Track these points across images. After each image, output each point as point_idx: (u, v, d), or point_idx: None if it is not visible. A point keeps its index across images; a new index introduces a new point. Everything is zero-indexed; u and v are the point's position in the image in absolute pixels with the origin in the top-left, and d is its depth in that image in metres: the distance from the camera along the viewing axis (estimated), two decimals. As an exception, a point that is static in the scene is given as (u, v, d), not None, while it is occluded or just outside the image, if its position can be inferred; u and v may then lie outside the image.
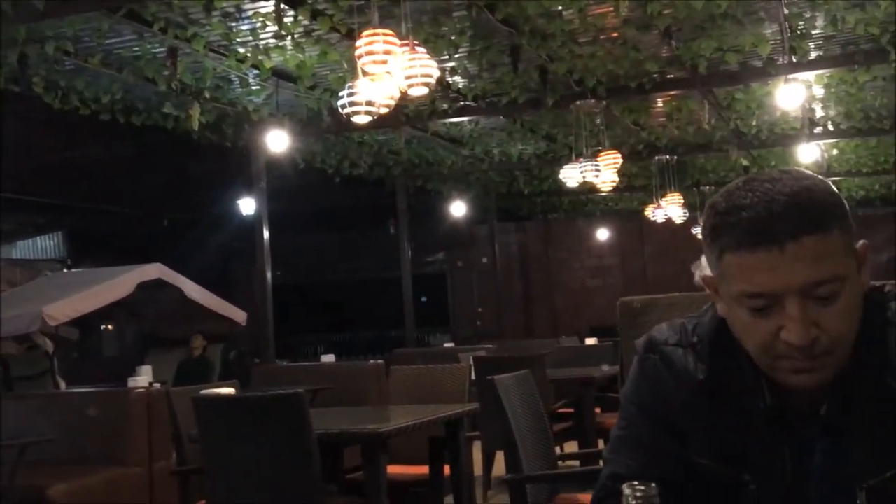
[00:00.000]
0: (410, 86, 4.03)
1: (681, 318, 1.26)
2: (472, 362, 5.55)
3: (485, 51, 6.04)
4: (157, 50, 5.89)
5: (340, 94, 4.27)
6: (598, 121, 7.80)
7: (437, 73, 4.07)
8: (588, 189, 8.82)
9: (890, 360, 1.08)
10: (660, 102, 7.88)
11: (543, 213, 14.98)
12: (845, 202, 1.06)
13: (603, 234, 14.84)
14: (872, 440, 1.07)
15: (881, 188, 12.76)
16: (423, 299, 14.28)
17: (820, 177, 1.07)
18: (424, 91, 4.08)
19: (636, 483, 0.81)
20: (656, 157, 9.65)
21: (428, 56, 4.02)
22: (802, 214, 1.01)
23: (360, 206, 13.07)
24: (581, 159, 7.52)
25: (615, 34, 5.79)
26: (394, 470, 4.03)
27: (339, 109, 4.32)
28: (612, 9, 5.05)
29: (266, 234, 7.97)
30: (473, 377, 4.71)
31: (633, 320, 2.07)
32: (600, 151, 7.63)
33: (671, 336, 1.22)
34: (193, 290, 8.32)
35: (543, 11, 5.19)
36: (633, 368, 1.25)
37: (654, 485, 0.83)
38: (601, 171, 7.46)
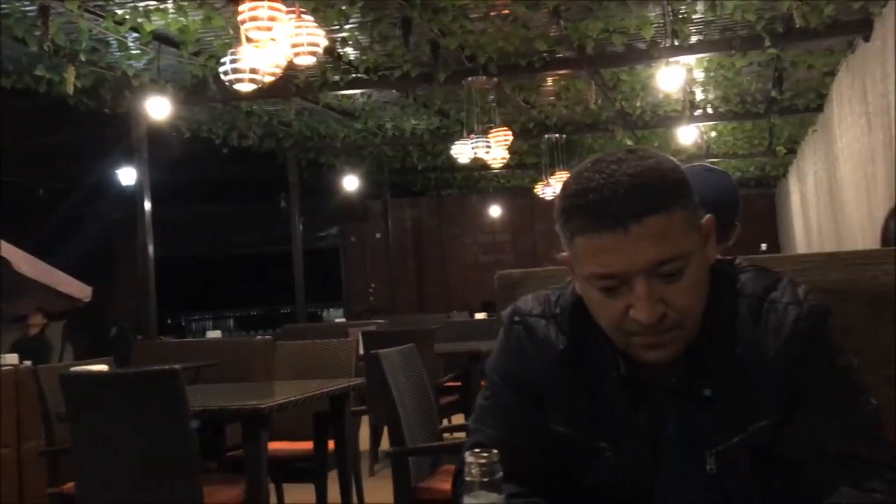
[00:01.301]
0: (297, 54, 3.93)
1: (546, 290, 1.28)
2: (360, 337, 5.54)
3: (376, 22, 5.96)
4: (28, 9, 5.54)
5: (222, 60, 4.13)
6: (490, 98, 7.87)
7: (324, 43, 3.99)
8: (480, 165, 8.90)
9: (738, 330, 1.12)
10: (549, 81, 8.00)
11: (437, 189, 15.04)
12: (687, 179, 1.09)
13: (495, 210, 15.04)
14: (721, 408, 1.11)
15: (756, 170, 13.42)
16: (316, 274, 14.12)
17: (665, 155, 1.10)
18: (311, 60, 3.99)
19: (478, 450, 0.81)
20: (546, 136, 9.82)
21: (315, 24, 3.93)
22: (644, 195, 1.03)
23: (250, 178, 12.75)
24: (473, 136, 7.58)
25: (505, 11, 5.82)
26: (277, 446, 3.98)
27: (222, 76, 4.17)
28: (502, -16, 5.07)
29: (148, 205, 7.67)
30: (363, 352, 4.70)
31: (512, 293, 2.08)
32: (491, 128, 7.71)
33: (535, 307, 1.24)
34: (23, 263, 7.67)
35: (435, -16, 5.16)
36: (499, 339, 1.26)
37: (495, 451, 0.83)
38: (492, 148, 7.55)
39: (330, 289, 15.58)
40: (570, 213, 1.07)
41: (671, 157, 1.10)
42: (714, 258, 1.14)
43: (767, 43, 6.19)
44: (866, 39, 6.00)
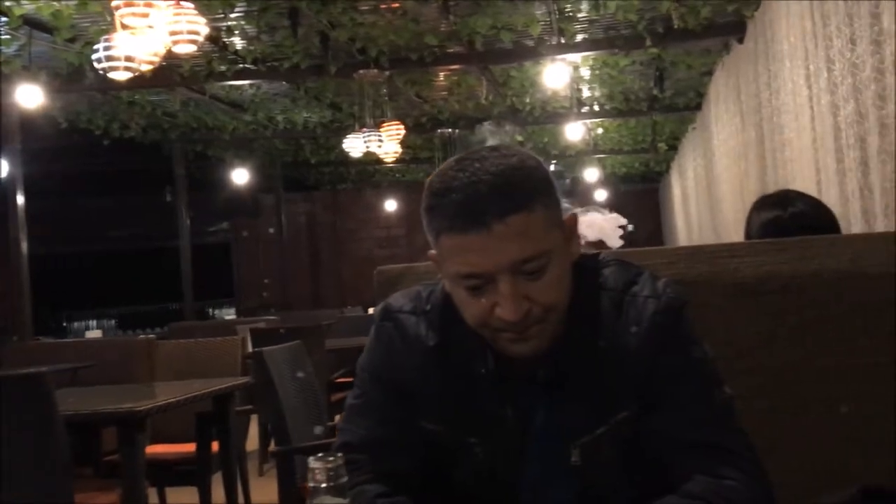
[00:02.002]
0: (176, 42, 3.80)
1: (418, 286, 1.28)
2: (249, 335, 5.42)
3: (263, 12, 5.82)
4: None
5: (95, 47, 3.94)
6: (382, 91, 7.83)
7: (205, 31, 3.86)
8: (374, 160, 8.85)
9: (601, 323, 1.15)
10: (441, 76, 8.03)
11: (331, 184, 14.88)
12: (551, 177, 1.11)
13: (391, 205, 15.01)
14: (586, 400, 1.14)
15: (640, 166, 13.90)
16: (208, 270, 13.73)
17: (528, 153, 1.12)
18: (192, 48, 3.86)
19: (322, 454, 0.80)
20: (439, 130, 9.86)
21: (195, 12, 3.80)
22: (506, 194, 1.04)
23: (134, 170, 12.26)
24: (365, 129, 7.53)
25: (396, 4, 5.80)
26: (159, 449, 3.86)
27: (95, 64, 3.98)
28: (391, -22, 5.04)
29: (21, 199, 7.26)
30: (252, 350, 4.60)
31: (391, 289, 2.06)
32: (384, 122, 7.68)
33: (406, 304, 1.23)
34: None
35: (322, -25, 5.09)
36: (370, 336, 1.25)
37: (340, 455, 0.82)
38: (384, 142, 7.52)
39: (222, 285, 15.20)
40: (435, 211, 1.07)
41: (534, 155, 1.12)
42: (577, 253, 1.16)
43: (648, 43, 6.41)
44: (740, 41, 6.29)
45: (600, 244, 2.50)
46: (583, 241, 2.32)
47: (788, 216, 2.05)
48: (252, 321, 7.66)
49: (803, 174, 4.67)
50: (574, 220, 1.14)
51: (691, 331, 1.16)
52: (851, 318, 1.57)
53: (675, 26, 6.16)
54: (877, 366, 1.52)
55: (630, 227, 2.76)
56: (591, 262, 1.20)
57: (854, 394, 1.53)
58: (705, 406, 1.12)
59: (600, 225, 2.53)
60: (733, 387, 1.20)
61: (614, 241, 2.53)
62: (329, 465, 0.76)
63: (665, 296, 1.15)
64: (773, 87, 5.31)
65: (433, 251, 1.13)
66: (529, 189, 1.06)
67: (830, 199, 4.11)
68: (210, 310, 16.31)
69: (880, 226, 3.46)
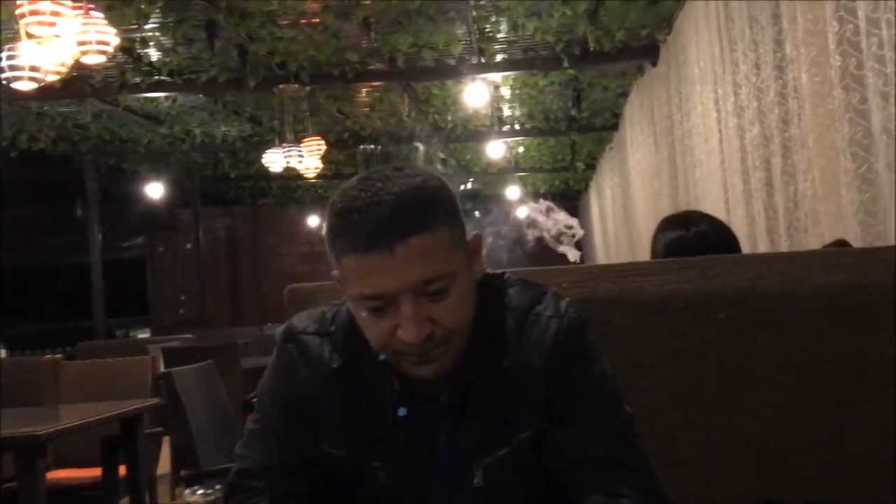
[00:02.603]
0: (84, 53, 3.67)
1: (323, 306, 1.26)
2: (161, 354, 5.27)
3: (179, 24, 5.69)
4: None
5: (-1, 56, 3.78)
6: (303, 106, 7.75)
7: (115, 41, 3.75)
8: (295, 175, 8.74)
9: (505, 343, 1.15)
10: (363, 92, 8.01)
11: (252, 198, 14.63)
12: (454, 197, 1.10)
13: (313, 220, 14.84)
14: (489, 420, 1.13)
15: (560, 184, 14.15)
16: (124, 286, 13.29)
17: (432, 173, 1.11)
18: (101, 59, 3.74)
19: (201, 489, 0.77)
20: (361, 146, 9.82)
21: (105, 21, 3.69)
22: (409, 215, 1.03)
23: (42, 183, 11.80)
24: (285, 145, 7.44)
25: (316, 20, 5.76)
26: (63, 474, 3.71)
27: (-2, 74, 3.82)
28: (311, -7, 5.01)
29: (-83, 212, 6.91)
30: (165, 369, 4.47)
31: (302, 307, 2.02)
32: (304, 137, 7.61)
33: (310, 325, 1.21)
34: None
35: (240, -12, 5.02)
36: (272, 358, 1.22)
37: (218, 486, 0.80)
38: (305, 157, 7.44)
39: (137, 302, 14.74)
40: (337, 232, 1.06)
41: (438, 175, 1.11)
42: (481, 273, 1.16)
43: (566, 64, 6.54)
44: (653, 64, 6.48)
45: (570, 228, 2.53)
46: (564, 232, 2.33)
47: (692, 236, 2.10)
48: (166, 340, 7.46)
49: (713, 194, 4.83)
50: (478, 240, 1.14)
51: (593, 349, 1.17)
52: (753, 336, 1.61)
53: (591, 49, 6.30)
54: (778, 382, 1.57)
55: (580, 232, 2.79)
56: (496, 281, 1.21)
57: (756, 410, 1.57)
58: (606, 423, 1.13)
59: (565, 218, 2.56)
60: (637, 403, 1.22)
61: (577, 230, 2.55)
62: (209, 500, 0.73)
63: (567, 315, 1.16)
64: (685, 110, 5.49)
65: (336, 272, 1.11)
66: (433, 209, 1.05)
67: (738, 219, 4.26)
68: (126, 329, 15.79)
69: (784, 245, 3.61)
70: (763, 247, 3.85)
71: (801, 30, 3.05)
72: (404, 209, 1.03)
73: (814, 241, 3.13)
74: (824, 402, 1.55)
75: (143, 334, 12.81)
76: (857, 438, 1.52)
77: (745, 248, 3.94)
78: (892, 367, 1.50)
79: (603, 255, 11.86)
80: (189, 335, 8.46)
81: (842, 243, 2.40)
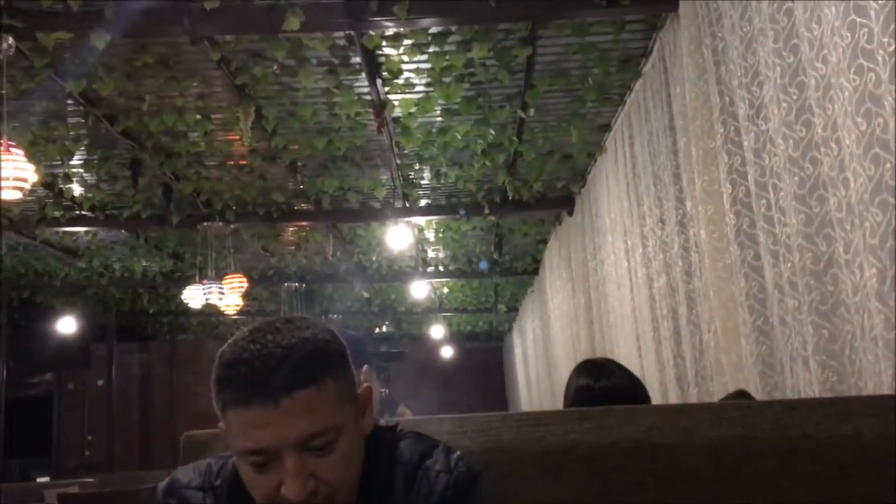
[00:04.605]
0: (1, 188, 3.64)
1: (210, 458, 1.22)
2: (56, 500, 4.96)
3: (104, 161, 5.72)
4: None
5: None
6: (227, 243, 7.75)
7: (33, 178, 3.74)
8: (216, 311, 8.61)
9: (393, 498, 1.13)
10: (289, 231, 8.08)
11: (170, 334, 14.27)
12: (344, 350, 1.11)
13: (232, 358, 14.48)
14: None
15: (484, 324, 14.28)
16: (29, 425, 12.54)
17: (323, 325, 1.11)
18: (17, 195, 3.72)
19: None
20: (286, 284, 9.80)
21: (24, 159, 3.69)
22: (295, 368, 1.03)
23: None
24: (206, 281, 7.37)
25: (243, 162, 5.87)
26: None
27: None
28: (238, 137, 5.12)
29: None
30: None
31: (198, 456, 1.95)
32: (227, 274, 7.56)
33: (194, 478, 1.17)
34: None
35: (167, 129, 5.09)
36: (151, 514, 1.18)
37: None
38: (226, 294, 7.37)
39: (40, 443, 13.87)
40: (223, 384, 1.05)
41: (330, 328, 1.12)
42: (370, 427, 1.16)
43: (487, 211, 6.77)
44: (570, 214, 6.77)
45: None
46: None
47: (598, 387, 2.14)
48: (66, 484, 7.02)
49: (626, 340, 4.95)
50: (368, 392, 1.15)
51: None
52: (649, 487, 1.63)
53: (511, 198, 6.56)
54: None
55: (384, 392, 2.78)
56: (388, 434, 1.20)
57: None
58: None
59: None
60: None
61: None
62: None
63: (457, 470, 1.15)
64: (599, 258, 5.70)
65: (221, 424, 1.09)
66: (320, 363, 1.06)
67: (650, 366, 4.36)
68: (27, 469, 14.78)
69: (693, 393, 3.69)
70: (673, 395, 3.93)
71: (698, 189, 3.25)
72: (291, 362, 1.03)
73: (719, 390, 3.21)
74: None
75: (42, 478, 12.01)
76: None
77: (657, 396, 4.01)
78: (780, 520, 1.53)
79: (526, 397, 11.85)
80: (91, 479, 7.99)
81: (742, 394, 2.47)
